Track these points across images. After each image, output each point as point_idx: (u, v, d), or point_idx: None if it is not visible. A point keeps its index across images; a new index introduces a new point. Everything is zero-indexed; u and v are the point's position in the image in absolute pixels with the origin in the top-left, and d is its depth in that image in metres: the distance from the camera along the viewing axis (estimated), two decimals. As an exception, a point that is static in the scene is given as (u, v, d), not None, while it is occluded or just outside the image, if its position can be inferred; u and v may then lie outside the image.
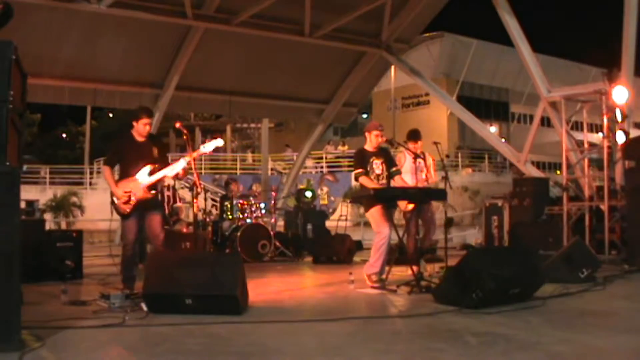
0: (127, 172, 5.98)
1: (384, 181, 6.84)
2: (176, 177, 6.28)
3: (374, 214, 6.65)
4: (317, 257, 9.77)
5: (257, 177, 25.00)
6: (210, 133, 34.08)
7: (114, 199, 5.95)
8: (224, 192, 10.98)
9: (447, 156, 29.44)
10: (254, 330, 4.49)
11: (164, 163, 6.06)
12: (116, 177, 6.07)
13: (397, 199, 6.83)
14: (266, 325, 4.65)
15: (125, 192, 5.87)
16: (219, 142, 6.19)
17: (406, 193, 6.59)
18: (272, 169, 26.27)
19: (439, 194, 6.94)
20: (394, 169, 6.97)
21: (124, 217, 5.97)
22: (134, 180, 5.92)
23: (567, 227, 9.55)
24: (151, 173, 5.95)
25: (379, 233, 6.63)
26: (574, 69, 35.47)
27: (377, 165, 6.83)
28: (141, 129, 6.01)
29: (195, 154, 6.00)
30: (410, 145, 7.52)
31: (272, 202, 10.76)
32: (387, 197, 6.64)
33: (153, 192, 6.00)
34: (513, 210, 10.47)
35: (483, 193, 22.89)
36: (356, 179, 7.01)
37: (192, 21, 11.64)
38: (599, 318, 4.87)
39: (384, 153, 6.98)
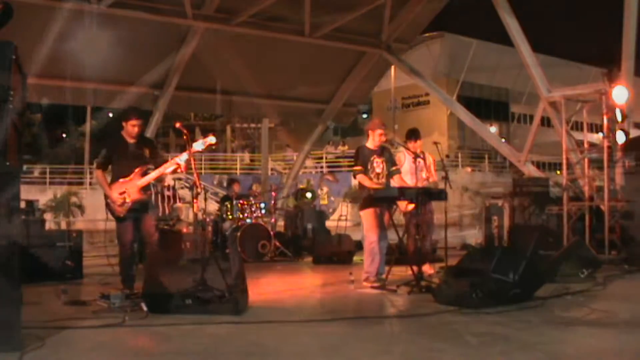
0: (119, 174, 5.92)
1: (384, 180, 6.83)
2: (175, 171, 6.19)
3: (368, 215, 6.66)
4: (317, 257, 9.76)
5: (257, 177, 24.96)
6: (210, 133, 34.02)
7: (109, 201, 5.91)
8: (225, 193, 10.97)
9: (447, 156, 29.43)
10: (254, 330, 4.50)
11: (156, 164, 5.97)
12: (108, 179, 6.02)
13: (396, 200, 6.82)
14: (266, 325, 4.65)
15: (120, 195, 5.84)
16: (211, 140, 6.15)
17: (405, 193, 6.59)
18: (272, 169, 26.25)
19: (439, 194, 6.93)
20: (393, 168, 6.95)
21: (120, 219, 5.92)
22: (127, 182, 5.87)
23: (567, 227, 9.55)
24: (143, 174, 5.92)
25: (367, 237, 6.67)
26: (574, 69, 35.44)
27: (378, 164, 6.81)
28: (130, 130, 5.91)
29: (190, 152, 5.92)
30: (410, 144, 7.50)
31: (272, 202, 10.75)
32: (385, 199, 6.63)
33: (147, 192, 5.98)
34: (513, 210, 10.47)
35: (483, 193, 22.87)
36: (354, 176, 7.01)
37: (192, 21, 11.64)
38: (599, 318, 4.87)
39: (385, 152, 6.96)
